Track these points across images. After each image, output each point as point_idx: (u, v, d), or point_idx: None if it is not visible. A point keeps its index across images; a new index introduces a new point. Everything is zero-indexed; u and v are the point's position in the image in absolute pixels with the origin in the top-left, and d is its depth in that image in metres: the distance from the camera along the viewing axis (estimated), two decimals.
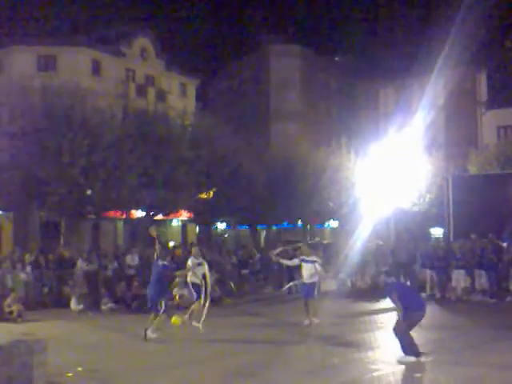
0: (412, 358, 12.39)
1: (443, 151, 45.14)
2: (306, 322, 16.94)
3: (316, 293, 17.03)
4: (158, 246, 16.22)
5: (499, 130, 52.53)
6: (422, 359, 12.35)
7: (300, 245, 19.33)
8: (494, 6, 52.42)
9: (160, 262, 16.19)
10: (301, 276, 17.44)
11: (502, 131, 52.07)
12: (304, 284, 17.04)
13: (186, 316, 16.91)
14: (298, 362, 12.94)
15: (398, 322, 12.93)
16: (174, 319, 16.48)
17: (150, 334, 15.36)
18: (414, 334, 15.53)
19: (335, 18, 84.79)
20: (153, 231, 16.53)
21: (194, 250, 18.20)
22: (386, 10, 76.03)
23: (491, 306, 21.82)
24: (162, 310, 15.60)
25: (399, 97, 55.91)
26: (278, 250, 19.96)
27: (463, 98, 55.36)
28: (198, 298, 17.17)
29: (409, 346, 12.55)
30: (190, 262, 17.52)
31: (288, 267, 25.28)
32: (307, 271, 16.85)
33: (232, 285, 24.07)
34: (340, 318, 17.61)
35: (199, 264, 17.43)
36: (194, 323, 16.57)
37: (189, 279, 17.36)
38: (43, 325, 18.38)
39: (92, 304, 21.53)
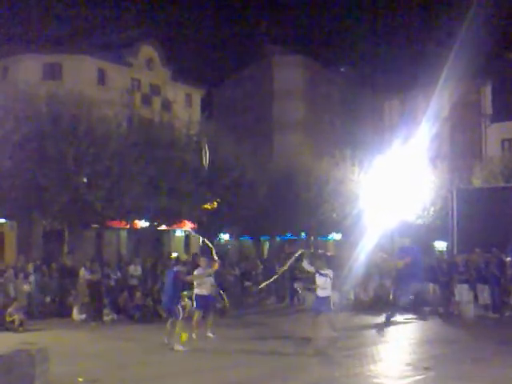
0: None
1: (448, 163, 45.01)
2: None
3: (332, 306, 16.43)
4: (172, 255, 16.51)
5: (504, 142, 52.46)
6: None
7: (303, 251, 19.03)
8: (500, 19, 52.60)
9: (174, 268, 16.37)
10: (314, 289, 16.81)
11: (506, 144, 52.00)
12: (317, 297, 16.37)
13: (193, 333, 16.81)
14: (298, 374, 12.89)
15: None
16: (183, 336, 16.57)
17: (176, 346, 15.35)
18: (418, 348, 15.56)
19: (340, 29, 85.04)
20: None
21: (203, 261, 17.94)
22: (392, 21, 76.18)
23: (492, 321, 21.78)
24: (180, 316, 15.64)
25: (404, 109, 55.92)
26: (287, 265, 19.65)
27: (468, 110, 55.34)
28: (200, 308, 17.18)
29: None
30: (196, 273, 17.48)
31: (291, 279, 25.32)
32: (320, 284, 16.27)
33: (225, 299, 23.61)
34: (342, 331, 17.54)
35: (208, 275, 17.39)
36: (209, 334, 16.65)
37: (195, 290, 17.34)
38: (45, 334, 18.38)
39: (94, 314, 21.51)
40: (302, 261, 17.42)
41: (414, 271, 15.00)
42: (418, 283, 15.29)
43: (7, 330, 19.01)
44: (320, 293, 16.06)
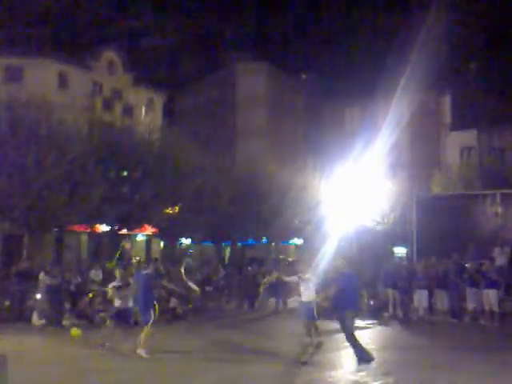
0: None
1: (407, 171, 45.58)
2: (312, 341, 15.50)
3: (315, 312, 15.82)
4: (134, 259, 16.23)
5: (463, 150, 53.15)
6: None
7: (292, 260, 18.91)
8: (460, 29, 53.30)
9: (143, 272, 16.18)
10: (298, 294, 16.47)
11: (465, 152, 52.69)
12: (302, 303, 15.86)
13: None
14: (259, 381, 12.93)
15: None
16: (74, 331, 16.49)
17: (140, 352, 15.21)
18: (378, 354, 15.66)
19: (303, 37, 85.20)
20: (127, 245, 16.52)
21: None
22: (353, 29, 76.66)
23: (451, 326, 22.05)
24: (151, 320, 15.45)
25: (365, 115, 56.41)
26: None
27: (427, 119, 55.99)
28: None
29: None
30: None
31: (254, 284, 25.26)
32: (304, 290, 15.78)
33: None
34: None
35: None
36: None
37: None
38: (4, 339, 18.14)
39: (53, 319, 21.30)
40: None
41: (347, 296, 14.92)
42: (353, 308, 15.18)
43: None
44: (303, 298, 15.78)
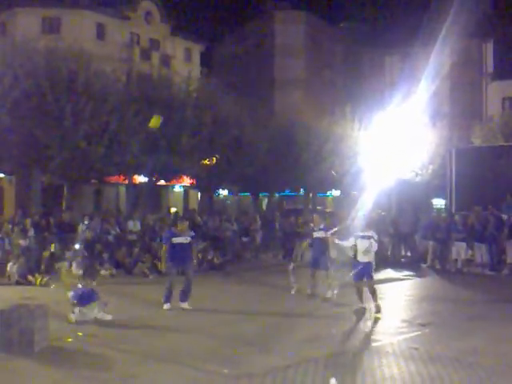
0: None
1: (447, 121, 44.86)
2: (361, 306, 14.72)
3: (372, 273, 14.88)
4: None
5: (504, 101, 52.29)
6: None
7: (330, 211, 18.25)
8: None
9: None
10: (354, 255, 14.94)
11: (507, 103, 51.83)
12: (358, 263, 14.67)
13: None
14: (296, 331, 12.98)
15: None
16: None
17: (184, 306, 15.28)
18: (414, 305, 15.69)
19: None
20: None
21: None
22: None
23: (489, 279, 21.92)
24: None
25: (404, 65, 55.55)
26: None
27: (469, 68, 55.07)
28: None
29: None
30: None
31: (291, 235, 25.02)
32: (362, 248, 14.58)
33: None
34: (339, 289, 17.64)
35: None
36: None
37: None
38: (44, 289, 18.45)
39: (90, 270, 21.49)
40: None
41: None
42: None
43: (5, 285, 19.13)
44: (361, 258, 14.62)
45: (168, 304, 15.11)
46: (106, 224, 24.94)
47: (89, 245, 22.35)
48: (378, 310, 14.48)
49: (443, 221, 25.80)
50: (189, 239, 15.41)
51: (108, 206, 38.18)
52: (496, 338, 12.35)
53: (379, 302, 14.73)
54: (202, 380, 9.45)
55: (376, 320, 13.95)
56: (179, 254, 15.14)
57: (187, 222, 16.46)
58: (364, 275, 14.66)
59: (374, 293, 14.78)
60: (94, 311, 13.60)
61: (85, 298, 13.58)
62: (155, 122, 17.79)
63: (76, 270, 21.08)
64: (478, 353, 11.01)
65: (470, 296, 18.11)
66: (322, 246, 16.92)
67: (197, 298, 15.53)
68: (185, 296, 15.25)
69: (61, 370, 9.89)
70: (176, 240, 15.19)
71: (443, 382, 9.26)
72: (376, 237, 14.75)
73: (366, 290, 14.79)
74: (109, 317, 13.60)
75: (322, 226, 17.22)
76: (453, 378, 9.48)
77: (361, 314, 14.34)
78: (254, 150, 34.73)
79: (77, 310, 13.42)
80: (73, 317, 13.30)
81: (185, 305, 15.21)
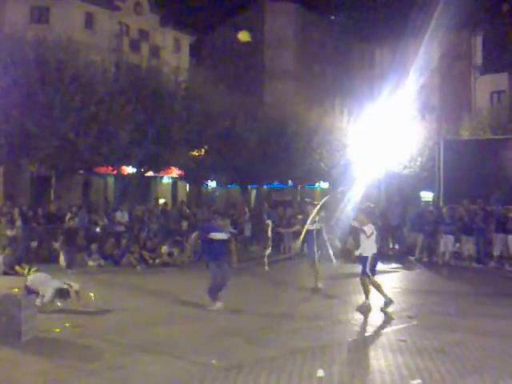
0: None
1: (436, 114, 44.91)
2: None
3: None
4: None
5: (492, 94, 52.41)
6: None
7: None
8: None
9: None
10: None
11: (495, 96, 51.93)
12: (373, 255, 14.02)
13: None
14: (284, 323, 13.00)
15: None
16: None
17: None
18: (402, 298, 15.72)
19: None
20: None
21: None
22: None
23: (476, 272, 22.03)
24: None
25: (394, 58, 55.56)
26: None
27: (458, 61, 55.20)
28: None
29: None
30: None
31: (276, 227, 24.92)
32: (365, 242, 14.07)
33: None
34: (328, 280, 17.67)
35: None
36: None
37: None
38: None
39: (72, 261, 21.44)
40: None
41: None
42: None
43: None
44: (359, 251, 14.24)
45: (220, 302, 14.24)
46: (94, 215, 24.91)
47: (71, 234, 22.20)
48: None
49: (431, 213, 25.91)
50: (228, 236, 14.93)
51: (96, 197, 38.11)
52: (482, 330, 12.40)
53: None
54: (191, 371, 9.44)
55: (363, 311, 13.92)
56: (216, 249, 14.46)
57: (228, 220, 16.51)
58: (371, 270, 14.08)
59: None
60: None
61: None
62: (244, 35, 17.62)
63: (63, 261, 21.07)
64: (464, 345, 11.05)
65: (457, 289, 18.19)
66: (311, 237, 16.97)
67: (185, 290, 15.52)
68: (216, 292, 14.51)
69: (48, 360, 9.87)
70: (216, 236, 14.57)
71: (430, 374, 9.29)
72: (372, 230, 14.08)
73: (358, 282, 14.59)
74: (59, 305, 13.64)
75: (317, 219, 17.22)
76: (440, 369, 9.51)
77: (364, 309, 13.83)
78: (243, 140, 34.69)
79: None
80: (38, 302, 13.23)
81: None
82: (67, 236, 21.80)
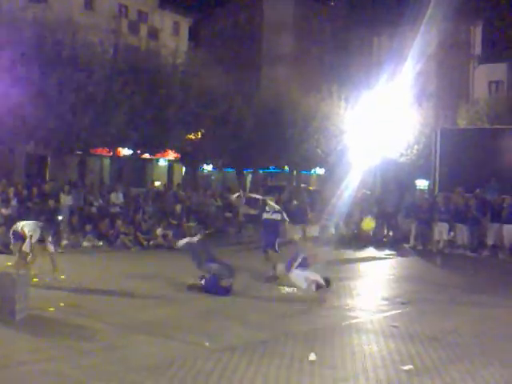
0: None
1: (433, 101, 44.93)
2: None
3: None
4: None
5: (491, 84, 52.42)
6: None
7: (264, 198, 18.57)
8: None
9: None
10: None
11: (493, 86, 51.96)
12: None
13: None
14: (275, 306, 13.06)
15: None
16: None
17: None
18: (395, 284, 15.80)
19: None
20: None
21: None
22: None
23: (470, 260, 22.12)
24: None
25: (392, 45, 55.48)
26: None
27: (457, 50, 55.13)
28: None
29: None
30: None
31: None
32: None
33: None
34: (321, 265, 17.71)
35: None
36: None
37: None
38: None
39: (74, 240, 21.51)
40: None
41: None
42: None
43: None
44: None
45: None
46: (89, 195, 24.91)
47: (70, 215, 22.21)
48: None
49: (426, 201, 25.97)
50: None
51: (92, 178, 38.07)
52: (474, 317, 12.49)
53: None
54: (186, 351, 9.49)
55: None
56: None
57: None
58: None
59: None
60: None
61: None
62: None
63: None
64: (456, 332, 11.12)
65: (451, 276, 18.30)
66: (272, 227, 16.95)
67: (178, 272, 15.57)
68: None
69: (42, 339, 9.89)
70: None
71: (422, 360, 9.35)
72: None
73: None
74: None
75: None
76: (431, 356, 9.57)
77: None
78: (239, 124, 34.62)
79: None
80: None
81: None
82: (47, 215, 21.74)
